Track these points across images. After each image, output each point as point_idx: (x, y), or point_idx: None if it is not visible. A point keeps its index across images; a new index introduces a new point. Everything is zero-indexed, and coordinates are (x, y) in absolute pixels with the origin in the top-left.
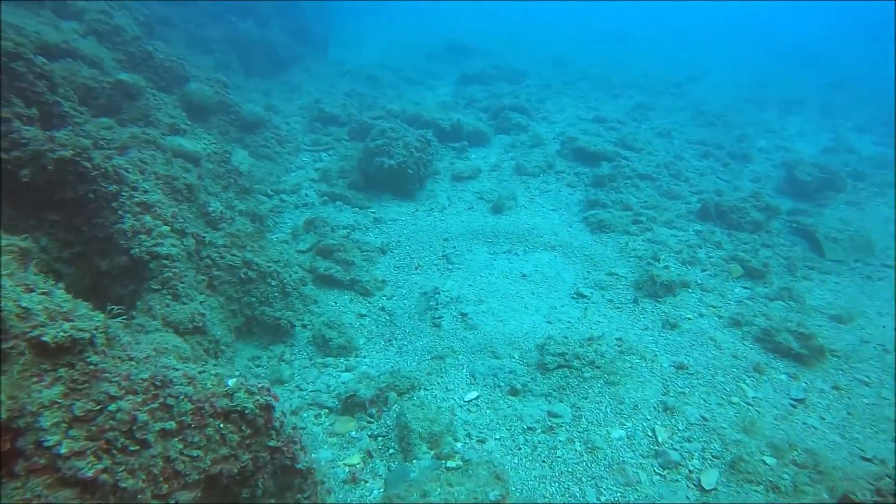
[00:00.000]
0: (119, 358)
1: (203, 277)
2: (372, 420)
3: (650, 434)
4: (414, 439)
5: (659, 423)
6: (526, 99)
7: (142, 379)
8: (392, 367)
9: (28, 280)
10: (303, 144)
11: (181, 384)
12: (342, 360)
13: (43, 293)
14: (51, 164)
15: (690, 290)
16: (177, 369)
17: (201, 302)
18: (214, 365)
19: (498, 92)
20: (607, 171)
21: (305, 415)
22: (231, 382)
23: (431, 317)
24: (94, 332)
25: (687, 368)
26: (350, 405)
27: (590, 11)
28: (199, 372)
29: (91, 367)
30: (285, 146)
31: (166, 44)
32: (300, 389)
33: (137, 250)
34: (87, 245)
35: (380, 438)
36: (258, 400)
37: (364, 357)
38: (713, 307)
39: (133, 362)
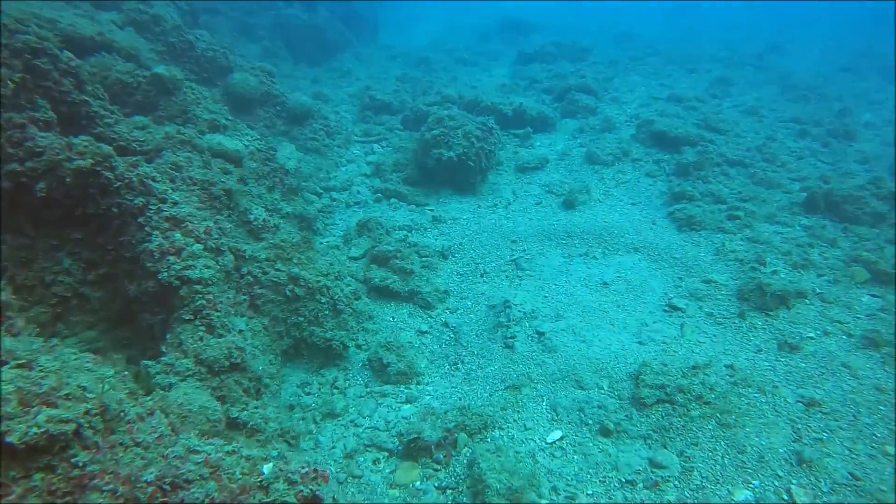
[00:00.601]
0: (121, 446)
1: (244, 297)
2: (439, 467)
3: (785, 497)
4: (491, 497)
5: (795, 481)
6: (592, 78)
7: (147, 482)
8: (460, 399)
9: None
10: (354, 135)
11: (201, 480)
12: (402, 388)
13: (20, 364)
14: (69, 175)
15: (808, 302)
16: (198, 452)
17: (240, 331)
18: (258, 411)
19: (560, 71)
20: (692, 158)
21: (362, 459)
22: (266, 470)
23: (503, 336)
24: (84, 419)
25: (820, 405)
26: (413, 449)
27: None
28: (227, 452)
29: (77, 470)
30: (335, 138)
31: (211, 33)
32: (355, 425)
33: (166, 274)
34: (113, 266)
35: (449, 492)
36: (302, 491)
37: (427, 384)
38: (839, 322)
39: (140, 450)
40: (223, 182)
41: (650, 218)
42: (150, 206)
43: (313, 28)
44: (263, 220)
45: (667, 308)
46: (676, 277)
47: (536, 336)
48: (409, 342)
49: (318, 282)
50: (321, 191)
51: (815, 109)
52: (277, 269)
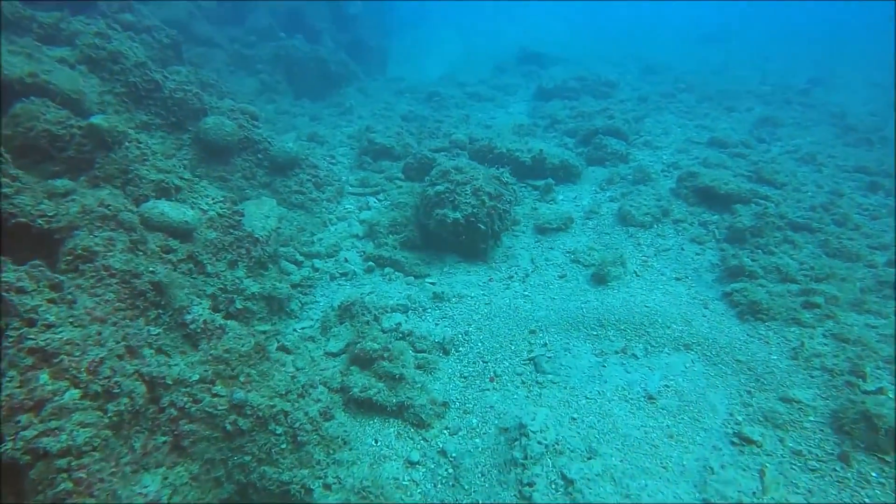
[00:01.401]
0: None
1: (164, 439)
2: None
3: None
4: None
5: None
6: (621, 119)
7: None
8: None
9: None
10: (348, 185)
11: None
12: None
13: None
14: None
15: None
16: None
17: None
18: None
19: (585, 110)
20: (748, 222)
21: None
22: None
23: (517, 479)
24: None
25: None
26: None
27: (678, 9)
28: None
29: None
30: (325, 190)
31: (202, 67)
32: None
33: (10, 446)
34: None
35: None
36: None
37: None
38: None
39: None
40: (152, 273)
41: (701, 300)
42: (9, 334)
43: (316, 60)
44: (204, 321)
45: (735, 440)
46: (744, 391)
47: (562, 484)
48: (395, 479)
49: (273, 407)
50: (302, 258)
51: (881, 156)
52: (215, 395)
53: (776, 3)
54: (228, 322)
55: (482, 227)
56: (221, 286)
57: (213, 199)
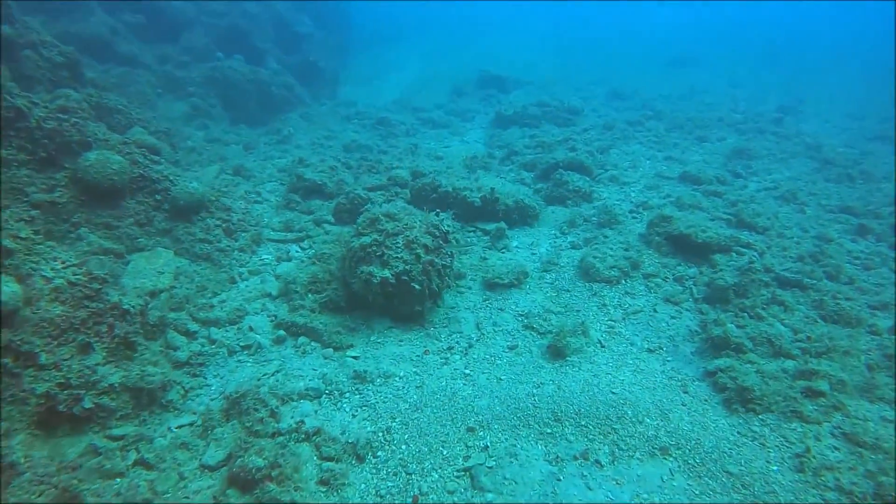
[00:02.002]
0: None
1: None
2: None
3: None
4: None
5: None
6: (585, 150)
7: None
8: None
9: None
10: (268, 230)
11: None
12: None
13: None
14: None
15: None
16: None
17: None
18: None
19: (545, 139)
20: (731, 279)
21: None
22: None
23: None
24: None
25: None
26: None
27: (645, 33)
28: None
29: None
30: (238, 237)
31: (102, 90)
32: None
33: None
34: None
35: None
36: None
37: None
38: None
39: None
40: None
41: (679, 380)
42: None
43: (255, 83)
44: None
45: None
46: None
47: None
48: None
49: None
50: (196, 326)
51: (864, 193)
52: None
53: (742, 26)
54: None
55: (417, 286)
56: (62, 381)
57: (62, 262)
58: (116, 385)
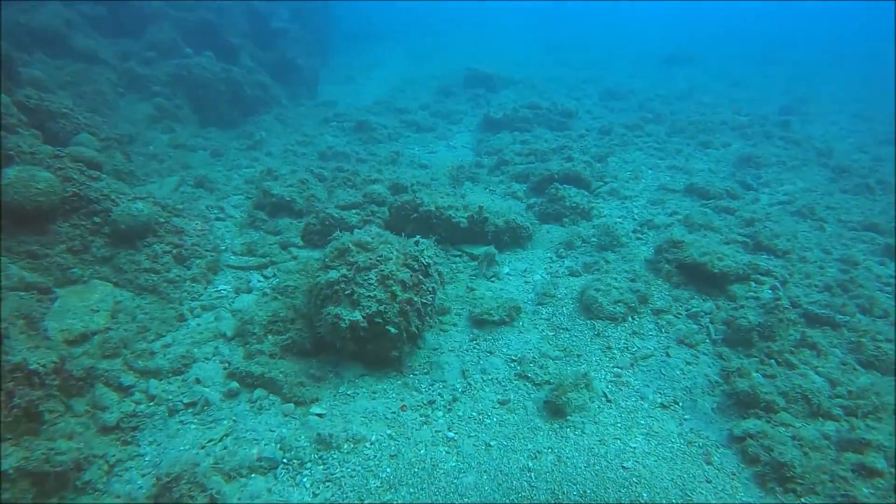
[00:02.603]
0: None
1: None
2: None
3: None
4: None
5: None
6: (582, 160)
7: None
8: None
9: None
10: (229, 255)
11: None
12: None
13: None
14: None
15: None
16: None
17: None
18: None
19: (538, 147)
20: (754, 318)
21: None
22: None
23: None
24: None
25: None
26: None
27: (636, 29)
28: None
29: None
30: (191, 265)
31: (43, 91)
32: None
33: None
34: None
35: None
36: None
37: None
38: None
39: None
40: None
41: (700, 446)
42: None
43: (227, 82)
44: None
45: None
46: None
47: None
48: None
49: None
50: (133, 378)
51: (886, 206)
52: None
53: (739, 24)
54: None
55: (392, 330)
56: None
57: None
58: (11, 471)
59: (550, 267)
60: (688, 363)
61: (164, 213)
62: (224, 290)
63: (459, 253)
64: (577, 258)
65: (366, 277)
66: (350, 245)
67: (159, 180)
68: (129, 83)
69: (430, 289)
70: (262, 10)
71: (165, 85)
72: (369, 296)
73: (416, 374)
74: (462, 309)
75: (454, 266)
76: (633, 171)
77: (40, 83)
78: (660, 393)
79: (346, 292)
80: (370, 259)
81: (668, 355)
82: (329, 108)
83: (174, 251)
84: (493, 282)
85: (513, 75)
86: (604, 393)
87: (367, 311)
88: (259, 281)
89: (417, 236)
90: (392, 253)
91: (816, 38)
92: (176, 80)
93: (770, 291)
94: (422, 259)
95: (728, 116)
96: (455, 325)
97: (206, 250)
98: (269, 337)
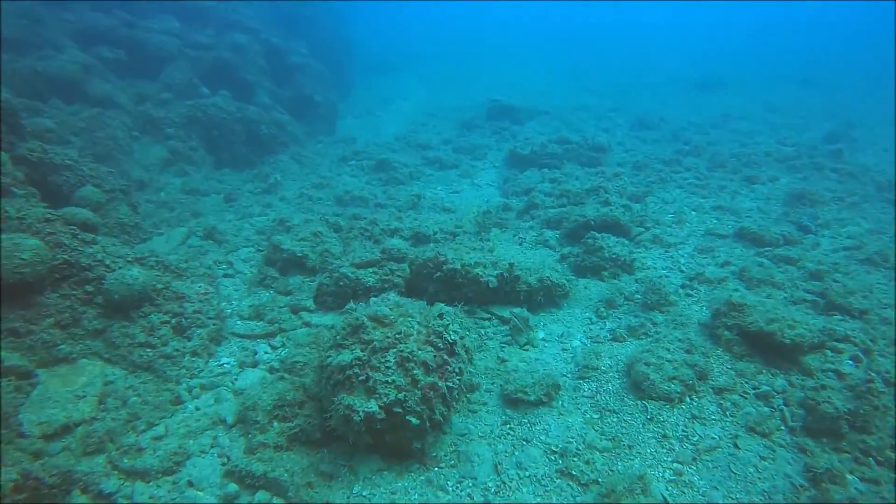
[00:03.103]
0: None
1: None
2: None
3: None
4: None
5: None
6: (620, 203)
7: None
8: None
9: None
10: (235, 321)
11: None
12: None
13: None
14: None
15: None
16: None
17: None
18: None
19: (570, 187)
20: (841, 404)
21: None
22: None
23: None
24: None
25: None
26: None
27: (662, 52)
28: None
29: None
30: (192, 335)
31: (49, 141)
32: None
33: None
34: None
35: None
36: None
37: None
38: None
39: None
40: None
41: None
42: None
43: (242, 122)
44: None
45: None
46: None
47: None
48: None
49: None
50: (117, 482)
51: None
52: None
53: (770, 46)
54: None
55: (414, 421)
56: None
57: None
58: None
59: (590, 330)
60: (762, 458)
61: (165, 275)
62: (227, 363)
63: (488, 316)
64: (619, 319)
65: (383, 359)
66: (365, 320)
67: (167, 231)
68: (143, 126)
69: (457, 369)
70: (280, 45)
71: (180, 127)
72: (387, 381)
73: (441, 468)
74: (493, 385)
75: (482, 331)
76: (676, 214)
77: (46, 134)
78: (731, 497)
79: (361, 378)
80: (388, 337)
81: (736, 447)
82: (348, 145)
83: (173, 321)
84: (526, 350)
85: (537, 105)
86: (664, 497)
87: (385, 399)
88: (266, 352)
89: (441, 306)
90: (413, 328)
91: (852, 54)
92: (190, 122)
93: (851, 363)
94: (447, 336)
95: (771, 146)
96: (485, 404)
97: (209, 318)
98: (275, 424)
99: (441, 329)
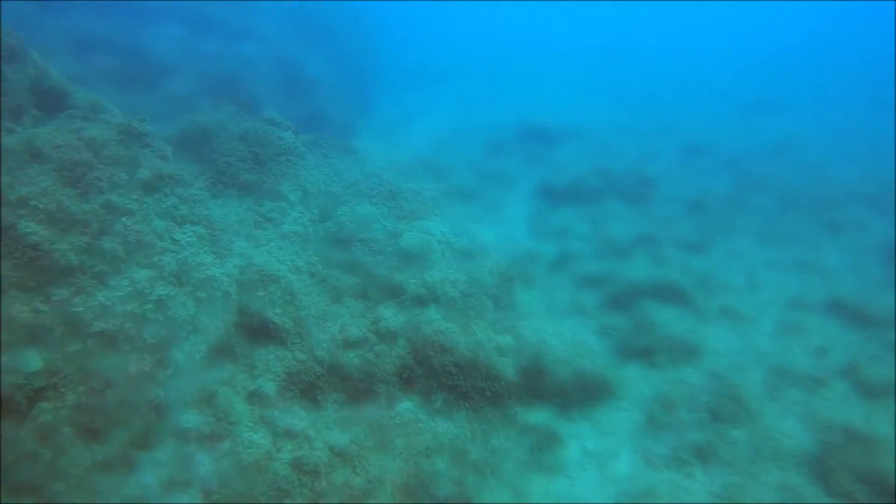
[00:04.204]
0: None
1: None
2: None
3: None
4: None
5: None
6: (676, 259)
7: None
8: None
9: None
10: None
11: None
12: None
13: None
14: None
15: None
16: None
17: None
18: None
19: (614, 232)
20: None
21: None
22: None
23: None
24: None
25: None
26: None
27: (716, 68)
28: None
29: None
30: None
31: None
32: None
33: None
34: None
35: None
36: None
37: None
38: None
39: None
40: None
41: None
42: None
43: (243, 139)
44: None
45: None
46: None
47: None
48: None
49: None
50: None
51: None
52: None
53: (833, 54)
54: None
55: None
56: None
57: None
58: None
59: (641, 444)
60: None
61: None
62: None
63: (504, 419)
64: (681, 433)
65: None
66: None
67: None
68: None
69: None
70: (293, 57)
71: (177, 144)
72: None
73: None
74: None
75: (496, 444)
76: (748, 274)
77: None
78: None
79: None
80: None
81: None
82: (360, 166)
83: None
84: (554, 476)
85: (573, 125)
86: None
87: None
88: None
89: None
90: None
91: None
92: (184, 137)
93: None
94: None
95: (853, 182)
96: None
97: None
98: None
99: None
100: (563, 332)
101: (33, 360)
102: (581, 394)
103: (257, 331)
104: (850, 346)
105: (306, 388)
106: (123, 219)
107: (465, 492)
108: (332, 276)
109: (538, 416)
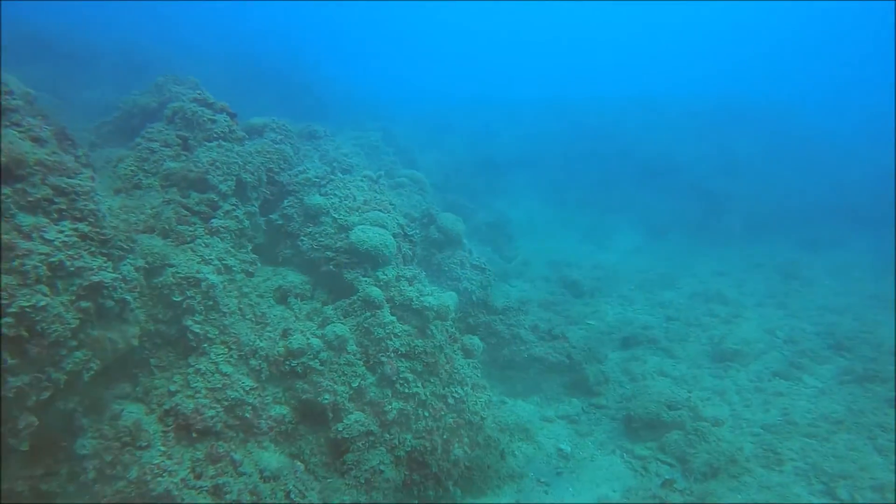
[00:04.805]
0: None
1: None
2: None
3: None
4: None
5: None
6: None
7: None
8: None
9: None
10: None
11: None
12: None
13: None
14: None
15: None
16: None
17: None
18: None
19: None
20: None
21: None
22: None
23: None
24: None
25: None
26: None
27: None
28: None
29: None
30: None
31: None
32: None
33: None
34: None
35: None
36: None
37: None
38: None
39: None
40: None
41: None
42: None
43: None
44: None
45: None
46: None
47: None
48: None
49: None
50: None
51: None
52: None
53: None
54: None
55: None
56: None
57: None
58: None
59: None
60: None
61: None
62: None
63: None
64: None
65: None
66: None
67: None
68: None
69: None
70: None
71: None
72: None
73: None
74: None
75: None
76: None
77: None
78: None
79: None
80: None
81: None
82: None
83: None
84: None
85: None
86: None
87: None
88: None
89: None
90: None
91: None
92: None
93: None
94: None
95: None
96: None
97: None
98: None
99: None
100: None
101: None
102: None
103: (174, 342)
104: None
105: (232, 405)
106: None
107: None
108: (277, 273)
109: None
